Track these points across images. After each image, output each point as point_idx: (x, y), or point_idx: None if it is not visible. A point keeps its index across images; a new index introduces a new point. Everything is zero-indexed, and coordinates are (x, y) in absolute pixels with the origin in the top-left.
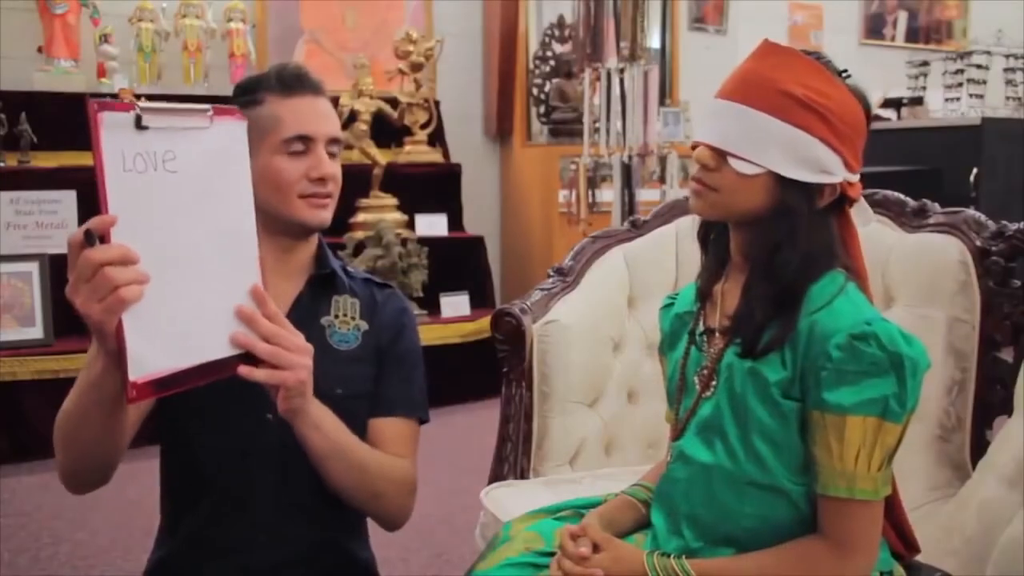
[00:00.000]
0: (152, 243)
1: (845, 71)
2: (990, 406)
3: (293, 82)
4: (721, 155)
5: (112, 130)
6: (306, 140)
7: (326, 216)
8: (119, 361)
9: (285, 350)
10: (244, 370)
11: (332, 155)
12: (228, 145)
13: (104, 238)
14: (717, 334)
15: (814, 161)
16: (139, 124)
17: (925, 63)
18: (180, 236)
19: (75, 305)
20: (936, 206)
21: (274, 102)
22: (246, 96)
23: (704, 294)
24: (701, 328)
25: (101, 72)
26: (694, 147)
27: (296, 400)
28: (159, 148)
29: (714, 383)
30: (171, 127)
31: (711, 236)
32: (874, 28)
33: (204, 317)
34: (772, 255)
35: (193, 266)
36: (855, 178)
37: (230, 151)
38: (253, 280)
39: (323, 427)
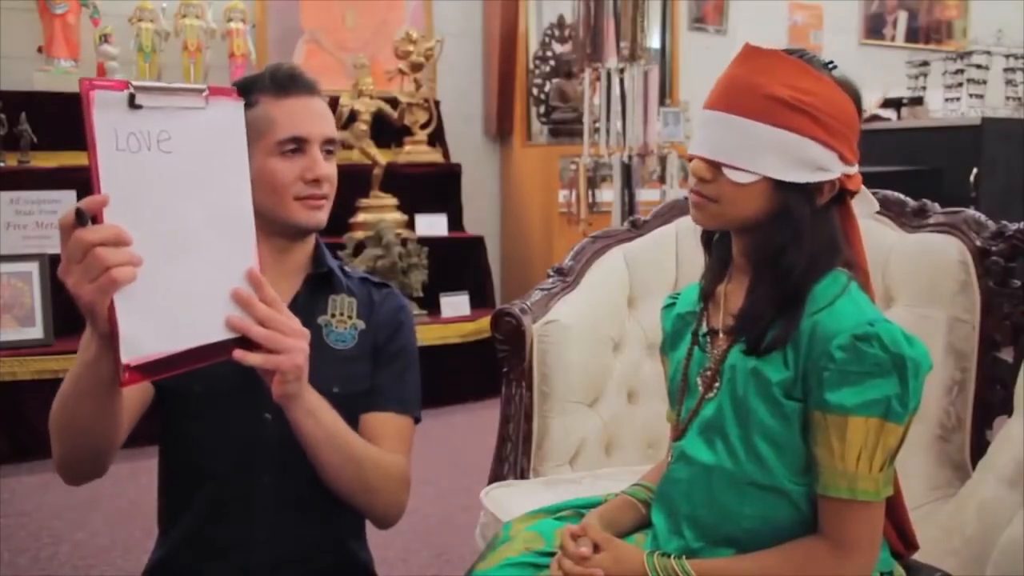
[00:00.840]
0: (146, 224)
1: (830, 63)
2: (990, 406)
3: (286, 82)
4: (716, 166)
5: (105, 108)
6: (300, 141)
7: (322, 217)
8: (111, 343)
9: (281, 334)
10: (239, 354)
11: (327, 155)
12: (225, 126)
13: (96, 218)
14: (721, 335)
15: (809, 161)
16: (132, 103)
17: (925, 63)
18: (175, 217)
19: (66, 286)
20: (936, 206)
21: (268, 103)
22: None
23: (707, 295)
24: (704, 329)
25: (101, 72)
26: (690, 159)
27: (292, 385)
28: (153, 128)
29: (717, 384)
30: (166, 106)
31: (714, 238)
32: (874, 28)
33: (199, 300)
34: (777, 258)
35: (188, 248)
36: (853, 170)
37: (227, 132)
38: (250, 263)
39: (318, 414)
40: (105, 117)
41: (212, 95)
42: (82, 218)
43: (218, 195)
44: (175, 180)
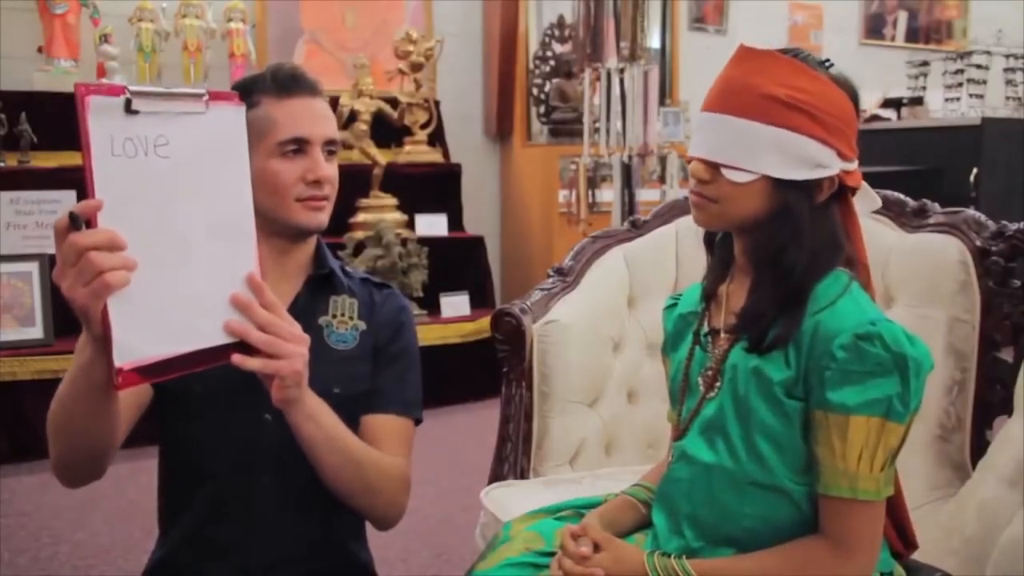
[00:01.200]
0: (142, 228)
1: (826, 61)
2: (990, 406)
3: (288, 83)
4: (714, 167)
5: (100, 114)
6: (302, 142)
7: (323, 218)
8: (105, 347)
9: (281, 339)
10: (238, 359)
11: (329, 156)
12: (225, 131)
13: (90, 223)
14: (722, 334)
15: (807, 158)
16: (129, 108)
17: (925, 63)
18: (172, 222)
19: (61, 289)
20: (936, 206)
21: (269, 104)
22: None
23: (709, 295)
24: (706, 328)
25: (101, 72)
26: (689, 161)
27: (291, 391)
28: (150, 133)
29: (718, 384)
30: (164, 112)
31: (716, 238)
32: (874, 28)
33: (197, 304)
34: (778, 256)
35: (185, 253)
36: (853, 166)
37: (227, 137)
38: (250, 268)
39: (318, 418)
40: (100, 122)
41: (213, 100)
42: (76, 222)
43: (218, 200)
44: (173, 185)
